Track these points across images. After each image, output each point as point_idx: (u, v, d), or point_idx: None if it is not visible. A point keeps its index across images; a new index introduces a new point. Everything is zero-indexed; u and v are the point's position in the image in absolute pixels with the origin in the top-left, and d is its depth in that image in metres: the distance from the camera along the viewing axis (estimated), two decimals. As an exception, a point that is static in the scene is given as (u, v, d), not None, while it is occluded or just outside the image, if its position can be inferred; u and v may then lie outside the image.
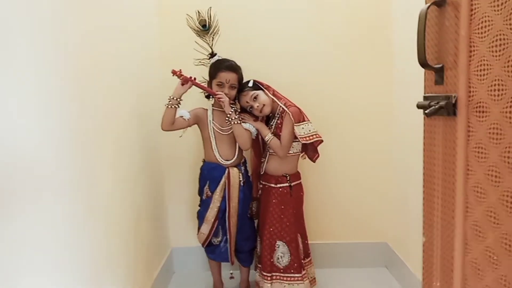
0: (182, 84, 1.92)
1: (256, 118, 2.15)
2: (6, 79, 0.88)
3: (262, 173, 2.18)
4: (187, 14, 2.05)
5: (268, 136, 2.06)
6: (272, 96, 2.08)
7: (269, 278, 2.08)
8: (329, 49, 2.39)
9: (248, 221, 2.18)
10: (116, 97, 1.67)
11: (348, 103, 2.44)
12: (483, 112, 0.88)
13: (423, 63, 0.96)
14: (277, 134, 2.06)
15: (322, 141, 2.06)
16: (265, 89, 2.09)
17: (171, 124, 1.96)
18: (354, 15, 2.36)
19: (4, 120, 0.87)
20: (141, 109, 2.03)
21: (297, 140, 2.05)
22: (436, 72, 0.98)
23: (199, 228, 2.13)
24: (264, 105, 2.06)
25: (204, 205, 2.11)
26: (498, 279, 0.87)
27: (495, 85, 0.83)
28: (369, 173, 2.50)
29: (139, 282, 1.87)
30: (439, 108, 0.94)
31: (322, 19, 2.37)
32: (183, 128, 2.04)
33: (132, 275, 1.76)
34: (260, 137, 2.20)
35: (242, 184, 2.08)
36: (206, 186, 2.10)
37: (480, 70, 0.86)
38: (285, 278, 2.08)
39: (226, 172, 2.05)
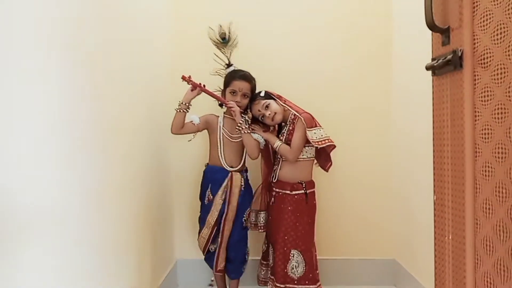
0: (192, 90, 2.11)
1: (266, 129, 2.29)
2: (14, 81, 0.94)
3: (274, 180, 2.29)
4: (209, 27, 2.32)
5: (277, 143, 2.20)
6: (283, 105, 2.24)
7: (282, 289, 2.12)
8: (334, 65, 2.66)
9: (240, 229, 2.26)
10: (128, 109, 1.81)
11: (351, 122, 2.66)
12: (486, 59, 1.04)
13: (431, 25, 1.13)
14: (289, 141, 2.20)
15: (335, 146, 2.20)
16: (276, 99, 2.25)
17: (180, 128, 2.14)
18: (356, 37, 2.64)
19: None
20: (152, 120, 2.20)
21: (309, 145, 2.17)
22: (443, 33, 1.15)
23: (199, 232, 2.26)
24: (275, 113, 2.23)
25: (205, 209, 2.24)
26: None
27: (497, 30, 1.00)
28: (373, 189, 2.65)
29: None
30: (447, 62, 1.09)
31: (328, 38, 2.65)
32: (192, 132, 2.23)
33: (135, 284, 1.82)
34: (270, 146, 2.34)
35: (242, 188, 2.21)
36: (208, 190, 2.24)
37: (483, 21, 1.04)
38: (299, 289, 2.12)
39: (229, 175, 2.19)
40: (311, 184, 2.26)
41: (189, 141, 2.26)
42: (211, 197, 2.21)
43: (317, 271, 2.22)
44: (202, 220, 2.26)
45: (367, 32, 2.64)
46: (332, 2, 2.64)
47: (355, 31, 2.64)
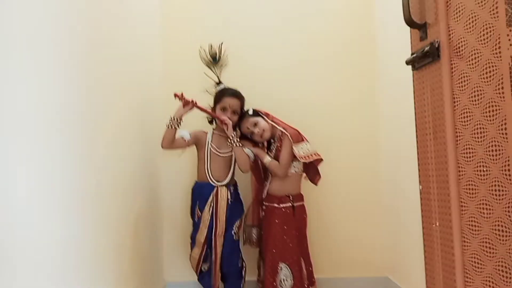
0: (184, 106, 2.16)
1: (255, 144, 2.35)
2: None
3: (264, 196, 2.32)
4: (200, 46, 2.42)
5: (266, 158, 2.26)
6: (271, 122, 2.32)
7: (272, 304, 2.10)
8: (321, 81, 2.76)
9: (231, 242, 2.24)
10: (120, 128, 1.86)
11: (338, 138, 2.73)
12: (461, 48, 1.14)
13: (409, 21, 1.23)
14: (277, 157, 2.26)
15: (322, 160, 2.26)
16: (264, 116, 2.33)
17: (171, 143, 2.17)
18: (341, 49, 2.76)
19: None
20: (144, 138, 2.24)
21: (296, 160, 2.24)
22: (421, 29, 1.25)
23: (191, 251, 2.24)
24: (264, 130, 2.30)
25: (195, 227, 2.25)
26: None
27: (469, 19, 1.11)
28: (364, 206, 2.68)
29: None
30: (425, 54, 1.19)
31: (312, 55, 2.76)
32: (182, 147, 2.27)
33: None
34: (260, 162, 2.38)
35: (229, 202, 2.23)
36: (197, 207, 2.25)
37: (457, 13, 1.16)
38: (289, 304, 2.10)
39: (215, 190, 2.21)
40: (299, 197, 2.30)
41: (179, 156, 2.31)
42: (200, 214, 2.23)
43: (313, 281, 2.23)
44: (193, 239, 2.24)
45: (351, 40, 2.76)
46: (316, 18, 2.77)
47: (340, 42, 2.76)
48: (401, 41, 1.75)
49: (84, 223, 1.38)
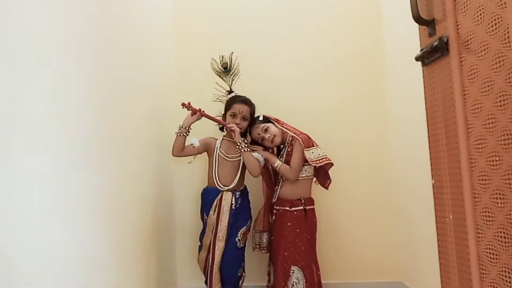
0: (192, 115, 2.23)
1: (265, 149, 2.38)
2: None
3: (275, 200, 2.34)
4: (212, 58, 2.52)
5: (277, 162, 2.28)
6: (281, 127, 2.35)
7: (284, 308, 2.10)
8: (331, 89, 2.80)
9: (233, 249, 2.23)
10: (136, 134, 1.93)
11: (349, 142, 2.75)
12: (470, 41, 1.17)
13: (417, 18, 1.26)
14: (288, 162, 2.29)
15: (332, 164, 2.28)
16: (274, 122, 2.36)
17: (180, 150, 2.25)
18: (350, 54, 2.80)
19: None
20: (158, 146, 2.30)
21: (307, 164, 2.26)
22: (429, 25, 1.28)
23: (198, 254, 2.29)
24: (274, 135, 2.33)
25: (203, 231, 2.30)
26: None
27: (477, 12, 1.14)
28: (377, 211, 2.69)
29: None
30: (434, 49, 1.22)
31: (321, 61, 2.81)
32: (192, 155, 2.34)
33: None
34: (271, 167, 2.41)
35: (233, 208, 2.24)
36: (204, 211, 2.30)
37: (464, 7, 1.18)
38: (301, 308, 2.10)
39: (220, 195, 2.25)
40: (310, 201, 2.31)
41: (189, 163, 2.38)
42: (206, 217, 2.28)
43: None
44: (201, 242, 2.30)
45: (360, 45, 2.80)
46: (324, 25, 2.82)
47: (348, 48, 2.80)
48: (409, 42, 1.79)
49: (100, 232, 1.43)
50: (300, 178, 2.29)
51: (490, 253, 1.17)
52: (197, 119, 2.25)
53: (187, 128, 2.23)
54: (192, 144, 2.31)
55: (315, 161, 2.24)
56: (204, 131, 2.40)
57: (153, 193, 2.20)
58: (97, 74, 1.43)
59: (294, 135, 2.30)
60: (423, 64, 1.31)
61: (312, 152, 2.26)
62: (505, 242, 1.11)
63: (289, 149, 2.32)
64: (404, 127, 2.46)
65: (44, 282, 1.05)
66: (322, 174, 2.38)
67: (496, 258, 1.14)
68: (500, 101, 1.08)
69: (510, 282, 1.08)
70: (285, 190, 2.31)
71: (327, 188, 2.39)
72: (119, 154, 1.66)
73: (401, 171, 2.58)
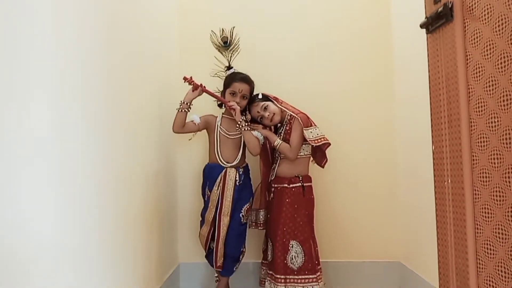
0: (193, 90, 2.26)
1: (264, 127, 2.42)
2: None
3: (272, 178, 2.40)
4: (212, 31, 2.53)
5: (277, 141, 2.33)
6: (280, 106, 2.39)
7: (282, 281, 2.16)
8: (334, 67, 2.78)
9: (238, 225, 2.30)
10: (138, 113, 1.94)
11: (352, 121, 2.76)
12: (474, 6, 1.22)
13: (424, -14, 1.31)
14: (286, 140, 2.34)
15: (330, 144, 2.34)
16: (273, 100, 2.41)
17: (181, 127, 2.27)
18: (355, 33, 2.77)
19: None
20: (160, 124, 2.32)
21: (305, 143, 2.31)
22: (434, -6, 1.34)
23: (200, 229, 2.33)
24: (274, 114, 2.37)
25: (205, 207, 2.34)
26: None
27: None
28: (377, 190, 2.72)
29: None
30: (439, 15, 1.27)
31: (325, 40, 2.78)
32: (193, 131, 2.36)
33: (141, 282, 1.86)
34: (268, 145, 2.47)
35: (237, 184, 2.29)
36: (207, 187, 2.34)
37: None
38: (299, 280, 2.16)
39: (224, 171, 2.29)
40: (307, 178, 2.37)
41: (189, 139, 2.40)
42: (209, 193, 2.31)
43: (317, 263, 2.26)
44: (202, 217, 2.34)
45: (365, 24, 2.76)
46: (329, 2, 2.78)
47: (353, 27, 2.76)
48: (417, 22, 1.79)
49: (105, 208, 1.46)
50: (298, 157, 2.34)
51: (484, 214, 1.23)
52: (199, 95, 2.26)
53: (188, 104, 2.24)
54: (193, 120, 2.33)
55: (314, 140, 2.29)
56: (202, 107, 2.42)
57: (156, 170, 2.23)
58: (99, 52, 1.44)
59: (293, 114, 2.35)
60: (428, 32, 1.37)
61: (311, 132, 2.31)
62: (502, 239, 1.17)
63: (287, 128, 2.37)
64: (410, 110, 2.49)
65: (48, 260, 1.08)
66: (318, 153, 2.44)
67: (493, 253, 1.21)
68: (501, 63, 1.14)
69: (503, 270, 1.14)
70: (283, 168, 2.36)
71: (323, 167, 2.45)
72: (124, 131, 1.70)
73: (403, 154, 2.61)
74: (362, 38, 2.76)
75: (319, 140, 2.30)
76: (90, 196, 1.33)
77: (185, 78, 2.23)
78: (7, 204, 0.91)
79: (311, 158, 2.45)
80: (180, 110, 2.24)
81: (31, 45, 1.02)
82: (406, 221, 2.61)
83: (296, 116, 2.32)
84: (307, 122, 2.33)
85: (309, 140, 2.28)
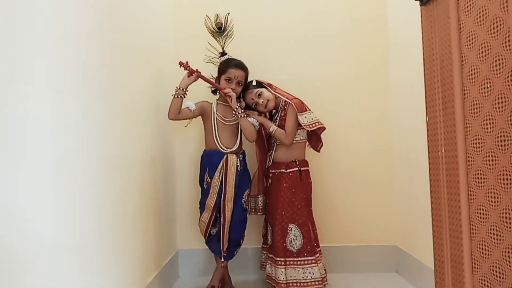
0: (189, 76, 2.27)
1: (259, 114, 2.45)
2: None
3: (269, 164, 2.44)
4: (206, 15, 2.56)
5: (272, 127, 2.37)
6: (274, 92, 2.42)
7: (282, 263, 2.19)
8: (330, 56, 2.83)
9: (241, 211, 2.34)
10: (135, 98, 1.97)
11: (348, 109, 2.82)
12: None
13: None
14: (281, 126, 2.37)
15: (324, 128, 2.38)
16: (267, 87, 2.44)
17: (177, 113, 2.27)
18: (353, 22, 2.82)
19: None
20: (157, 110, 2.34)
21: (300, 128, 2.35)
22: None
23: (200, 216, 2.34)
24: (268, 100, 2.41)
25: (204, 193, 2.35)
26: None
27: None
28: (373, 176, 2.79)
29: (142, 277, 1.96)
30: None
31: (321, 27, 2.82)
32: (189, 118, 2.37)
33: (134, 268, 1.87)
34: (264, 132, 2.51)
35: (239, 169, 2.33)
36: (206, 173, 2.35)
37: None
38: (299, 263, 2.20)
39: (225, 157, 2.32)
40: (304, 162, 2.41)
41: (185, 126, 2.44)
42: (209, 180, 2.32)
43: (317, 245, 2.30)
44: (202, 205, 2.34)
45: (362, 10, 2.80)
46: None
47: (350, 13, 2.80)
48: (414, 10, 1.80)
49: (103, 196, 1.49)
50: (294, 142, 2.38)
51: (480, 213, 1.28)
52: (194, 80, 2.26)
53: (184, 89, 2.25)
54: (188, 107, 2.34)
55: (308, 125, 2.33)
56: (196, 94, 2.43)
57: (153, 157, 2.25)
58: (95, 39, 1.46)
59: (287, 100, 2.38)
60: (422, 3, 1.42)
61: (305, 117, 2.35)
62: (495, 202, 1.22)
63: (282, 114, 2.41)
64: (406, 98, 2.54)
65: (48, 250, 1.10)
66: (314, 137, 2.48)
67: (486, 217, 1.25)
68: (494, 28, 1.19)
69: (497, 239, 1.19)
70: (280, 154, 2.40)
71: (318, 151, 2.49)
72: (121, 118, 1.72)
73: (401, 140, 2.66)
74: (358, 26, 2.82)
75: (314, 125, 2.34)
76: (89, 184, 1.35)
77: (181, 63, 2.24)
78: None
79: (307, 143, 2.49)
80: (175, 96, 2.24)
81: (30, 31, 1.04)
82: (402, 206, 2.67)
83: (290, 102, 2.35)
84: (301, 107, 2.37)
85: (304, 125, 2.31)
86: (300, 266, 2.20)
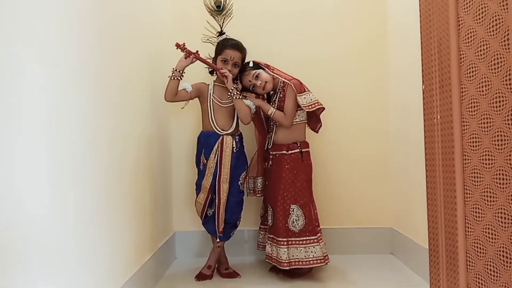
0: (186, 57, 2.27)
1: (257, 96, 2.48)
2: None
3: (269, 146, 2.50)
4: None
5: (271, 110, 2.40)
6: (272, 73, 2.43)
7: (284, 243, 2.29)
8: (327, 36, 2.85)
9: (238, 192, 2.41)
10: (131, 80, 1.99)
11: (345, 87, 2.85)
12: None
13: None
14: (280, 108, 2.41)
15: (324, 108, 2.41)
16: (264, 68, 2.45)
17: (174, 95, 2.30)
18: (354, 7, 2.83)
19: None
20: (153, 91, 2.35)
21: (300, 109, 2.38)
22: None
23: (196, 197, 2.42)
24: (266, 82, 2.43)
25: (201, 175, 2.42)
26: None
27: None
28: (369, 158, 2.86)
29: (137, 257, 2.03)
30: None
31: (320, 8, 2.83)
32: (185, 100, 2.40)
33: (131, 249, 1.93)
34: (262, 114, 2.54)
35: (234, 150, 2.38)
36: (202, 155, 2.41)
37: None
38: (301, 242, 2.30)
39: (220, 138, 2.37)
40: (305, 144, 2.47)
41: (182, 108, 2.45)
42: (205, 161, 2.39)
43: (317, 225, 2.40)
44: (198, 186, 2.42)
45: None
46: None
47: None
48: None
49: (100, 176, 1.54)
50: (294, 123, 2.43)
51: (474, 177, 1.33)
52: (191, 62, 2.28)
53: (180, 71, 2.25)
54: (185, 88, 2.35)
55: (307, 106, 2.36)
56: (193, 75, 2.44)
57: (149, 137, 2.28)
58: (88, 17, 1.47)
59: (286, 81, 2.40)
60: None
61: (304, 98, 2.37)
62: (490, 200, 1.27)
63: (281, 95, 2.43)
64: (403, 76, 2.56)
65: (44, 232, 1.15)
66: (313, 118, 2.52)
67: (482, 216, 1.31)
68: (493, 26, 1.21)
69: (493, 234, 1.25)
70: (280, 136, 2.44)
71: (317, 132, 2.55)
72: (116, 94, 1.74)
73: (398, 122, 2.71)
74: (355, 2, 2.82)
75: (313, 106, 2.37)
76: (83, 162, 1.39)
77: (177, 45, 2.24)
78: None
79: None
80: (172, 78, 2.25)
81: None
82: (397, 188, 2.75)
83: (289, 83, 2.37)
84: (300, 88, 2.39)
85: (303, 106, 2.34)
86: (302, 246, 2.30)
